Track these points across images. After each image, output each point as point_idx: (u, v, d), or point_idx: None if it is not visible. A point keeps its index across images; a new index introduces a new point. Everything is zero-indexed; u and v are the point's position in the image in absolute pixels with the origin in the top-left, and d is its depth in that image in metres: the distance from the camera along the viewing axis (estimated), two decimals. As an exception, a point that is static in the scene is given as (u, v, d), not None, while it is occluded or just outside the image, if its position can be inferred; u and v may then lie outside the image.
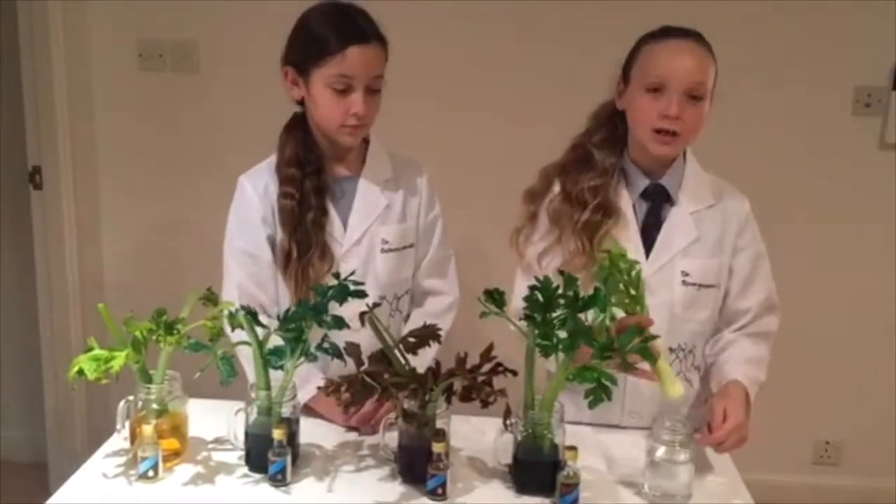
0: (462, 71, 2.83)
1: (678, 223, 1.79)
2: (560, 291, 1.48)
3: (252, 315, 1.55)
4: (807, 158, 2.84)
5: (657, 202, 1.80)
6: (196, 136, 2.94)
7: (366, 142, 1.90)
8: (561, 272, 1.54)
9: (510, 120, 2.82)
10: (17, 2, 2.80)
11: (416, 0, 2.72)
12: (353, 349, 1.55)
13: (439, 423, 1.51)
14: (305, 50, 1.77)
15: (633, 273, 1.57)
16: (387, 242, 1.87)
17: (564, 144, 1.86)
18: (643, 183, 1.80)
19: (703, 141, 1.85)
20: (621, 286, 1.54)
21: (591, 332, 1.46)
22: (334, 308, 1.56)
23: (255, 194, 1.84)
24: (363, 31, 1.75)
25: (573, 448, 1.46)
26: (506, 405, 1.53)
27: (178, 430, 1.59)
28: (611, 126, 1.83)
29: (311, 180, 1.81)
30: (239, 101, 2.87)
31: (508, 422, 1.54)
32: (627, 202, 1.80)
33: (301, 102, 1.83)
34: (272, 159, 1.87)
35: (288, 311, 1.57)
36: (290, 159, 1.82)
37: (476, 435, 1.68)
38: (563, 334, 1.47)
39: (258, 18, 2.77)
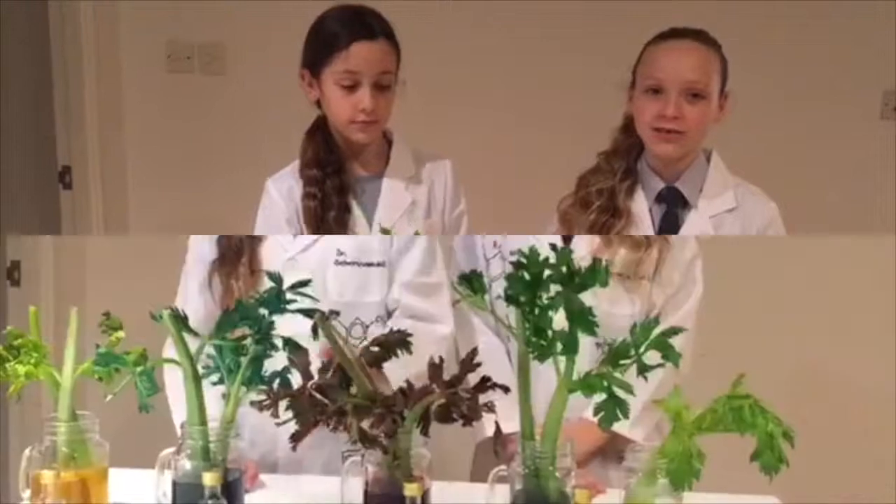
0: (484, 71, 2.84)
1: (696, 228, 1.76)
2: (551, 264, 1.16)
3: (181, 320, 1.24)
4: (834, 162, 2.80)
5: (673, 206, 1.78)
6: (223, 138, 2.96)
7: (388, 141, 1.90)
8: (552, 246, 1.20)
9: (533, 121, 2.82)
10: (49, 3, 2.84)
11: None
12: (301, 358, 1.26)
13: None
14: (316, 51, 1.77)
15: None
16: None
17: (587, 146, 1.84)
18: (658, 186, 1.78)
19: (728, 144, 1.82)
20: None
21: (592, 314, 1.14)
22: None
23: (280, 196, 1.85)
24: (369, 27, 1.74)
25: (586, 488, 1.18)
26: (495, 425, 1.23)
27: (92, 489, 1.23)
28: (628, 133, 1.80)
29: (331, 180, 1.81)
30: (265, 103, 2.87)
31: (498, 446, 1.23)
32: (643, 206, 1.78)
33: (319, 104, 1.84)
34: (297, 162, 1.87)
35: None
36: (310, 161, 1.82)
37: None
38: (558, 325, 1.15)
39: (285, 21, 2.74)
